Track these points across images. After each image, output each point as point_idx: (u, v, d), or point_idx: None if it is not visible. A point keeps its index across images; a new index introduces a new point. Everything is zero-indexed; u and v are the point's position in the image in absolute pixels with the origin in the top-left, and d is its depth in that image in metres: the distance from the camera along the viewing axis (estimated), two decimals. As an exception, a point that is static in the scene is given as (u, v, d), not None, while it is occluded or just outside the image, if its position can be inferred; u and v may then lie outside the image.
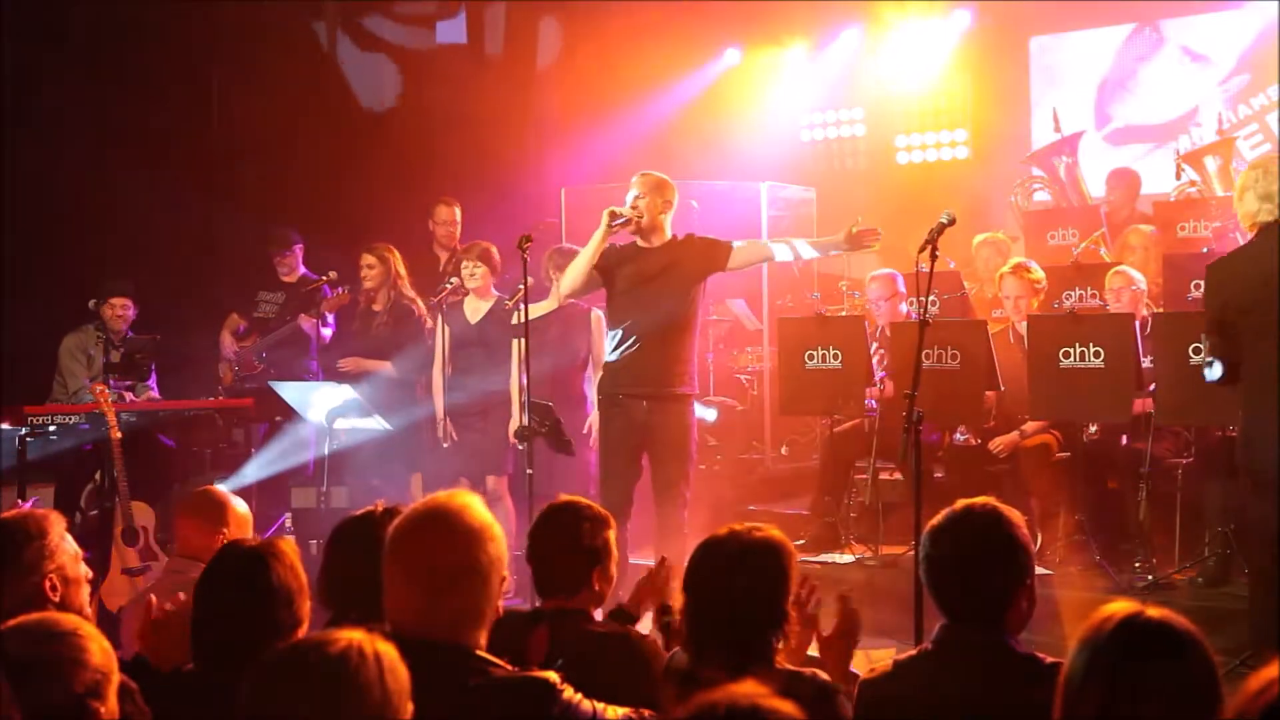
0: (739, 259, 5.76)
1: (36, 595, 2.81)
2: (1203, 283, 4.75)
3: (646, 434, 5.61)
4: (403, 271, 7.07)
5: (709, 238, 5.82)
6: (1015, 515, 2.64)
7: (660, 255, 5.67)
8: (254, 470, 6.94)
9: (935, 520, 2.64)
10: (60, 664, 2.08)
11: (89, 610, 2.94)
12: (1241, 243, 4.91)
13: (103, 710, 2.12)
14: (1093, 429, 6.03)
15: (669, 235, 5.74)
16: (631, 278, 5.66)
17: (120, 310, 7.19)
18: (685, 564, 2.78)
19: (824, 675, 2.74)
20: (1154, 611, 1.98)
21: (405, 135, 9.60)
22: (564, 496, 3.33)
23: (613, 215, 5.55)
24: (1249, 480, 4.43)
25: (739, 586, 2.66)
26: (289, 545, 2.71)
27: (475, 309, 6.67)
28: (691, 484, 5.71)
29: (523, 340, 5.67)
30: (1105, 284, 6.34)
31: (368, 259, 7.00)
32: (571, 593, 3.14)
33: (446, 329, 6.68)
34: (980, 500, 2.65)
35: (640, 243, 5.72)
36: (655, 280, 5.63)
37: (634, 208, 5.61)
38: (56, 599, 2.83)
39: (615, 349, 5.70)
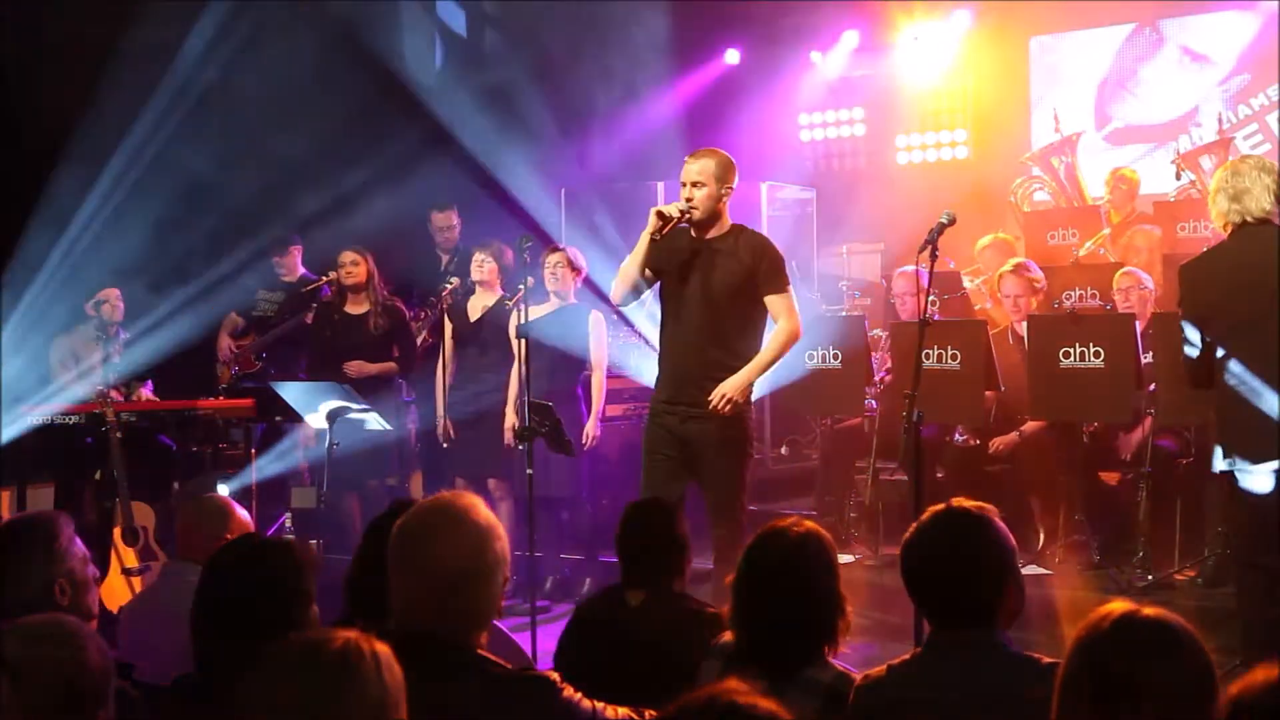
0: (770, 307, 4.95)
1: (45, 598, 2.82)
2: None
3: (697, 454, 4.91)
4: (378, 276, 7.02)
5: (777, 261, 4.95)
6: (990, 511, 2.62)
7: (713, 249, 4.90)
8: (254, 471, 6.95)
9: (909, 534, 2.62)
10: (61, 666, 2.08)
11: (96, 611, 2.95)
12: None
13: (101, 714, 2.12)
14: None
15: (728, 225, 4.94)
16: (679, 273, 4.91)
17: (114, 301, 7.20)
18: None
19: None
20: (1150, 610, 1.99)
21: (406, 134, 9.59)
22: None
23: (661, 218, 4.79)
24: (1228, 483, 4.44)
25: (787, 581, 2.71)
26: (307, 549, 2.71)
27: (477, 306, 6.66)
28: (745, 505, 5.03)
29: (523, 340, 5.67)
30: (1113, 284, 6.35)
31: (352, 256, 6.88)
32: (673, 576, 3.49)
33: (449, 327, 6.68)
34: (955, 503, 2.63)
35: (695, 234, 4.92)
36: (702, 277, 4.87)
37: (688, 199, 4.82)
38: (65, 602, 2.84)
39: (661, 352, 5.06)
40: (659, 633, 3.32)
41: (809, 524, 2.82)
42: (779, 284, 4.91)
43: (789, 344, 4.92)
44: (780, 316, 4.90)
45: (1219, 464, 4.34)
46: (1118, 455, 6.07)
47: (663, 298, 5.04)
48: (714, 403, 4.76)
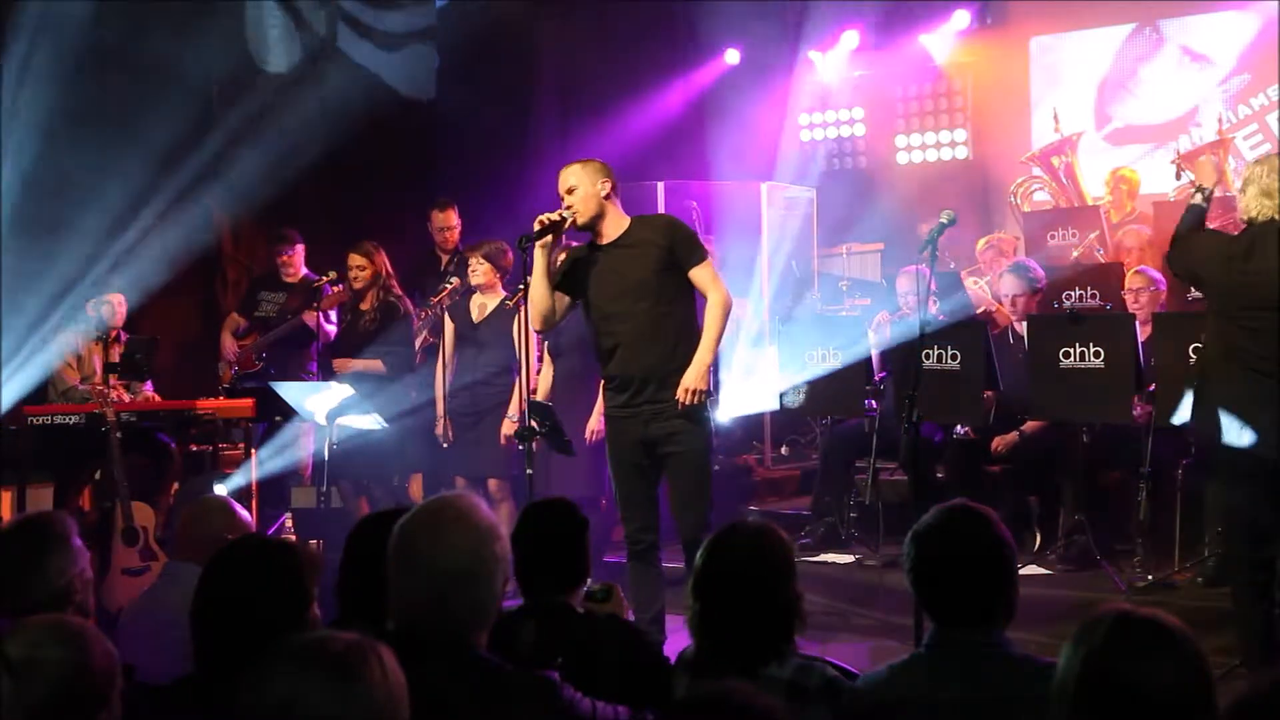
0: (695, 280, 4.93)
1: (64, 595, 2.84)
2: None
3: (665, 452, 4.90)
4: (390, 269, 7.02)
5: (685, 234, 4.97)
6: (992, 513, 2.66)
7: (619, 248, 4.90)
8: (253, 470, 6.94)
9: (918, 527, 2.64)
10: (63, 667, 2.08)
11: (93, 610, 2.97)
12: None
13: (105, 716, 2.12)
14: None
15: (628, 221, 4.94)
16: (596, 283, 4.92)
17: (116, 305, 7.19)
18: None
19: (833, 670, 2.74)
20: (1145, 610, 1.99)
21: (407, 134, 9.60)
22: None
23: (540, 225, 4.77)
24: (1223, 468, 4.53)
25: (750, 579, 2.67)
26: (307, 549, 2.72)
27: (480, 307, 6.65)
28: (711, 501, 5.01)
29: (524, 340, 5.66)
30: (1126, 283, 6.36)
31: (357, 260, 6.86)
32: (575, 585, 3.20)
33: (451, 327, 6.68)
34: (956, 503, 2.67)
35: (597, 241, 4.95)
36: (620, 278, 4.88)
37: (568, 207, 4.83)
38: (78, 600, 2.86)
39: (605, 365, 5.03)
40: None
41: (763, 523, 2.82)
42: (698, 255, 4.91)
43: (726, 315, 4.93)
44: (708, 289, 4.90)
45: (1183, 416, 4.56)
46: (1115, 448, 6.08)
47: (588, 314, 5.02)
48: (682, 400, 4.78)
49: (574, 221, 4.84)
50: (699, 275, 4.90)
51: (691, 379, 4.79)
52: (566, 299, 5.00)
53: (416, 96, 9.73)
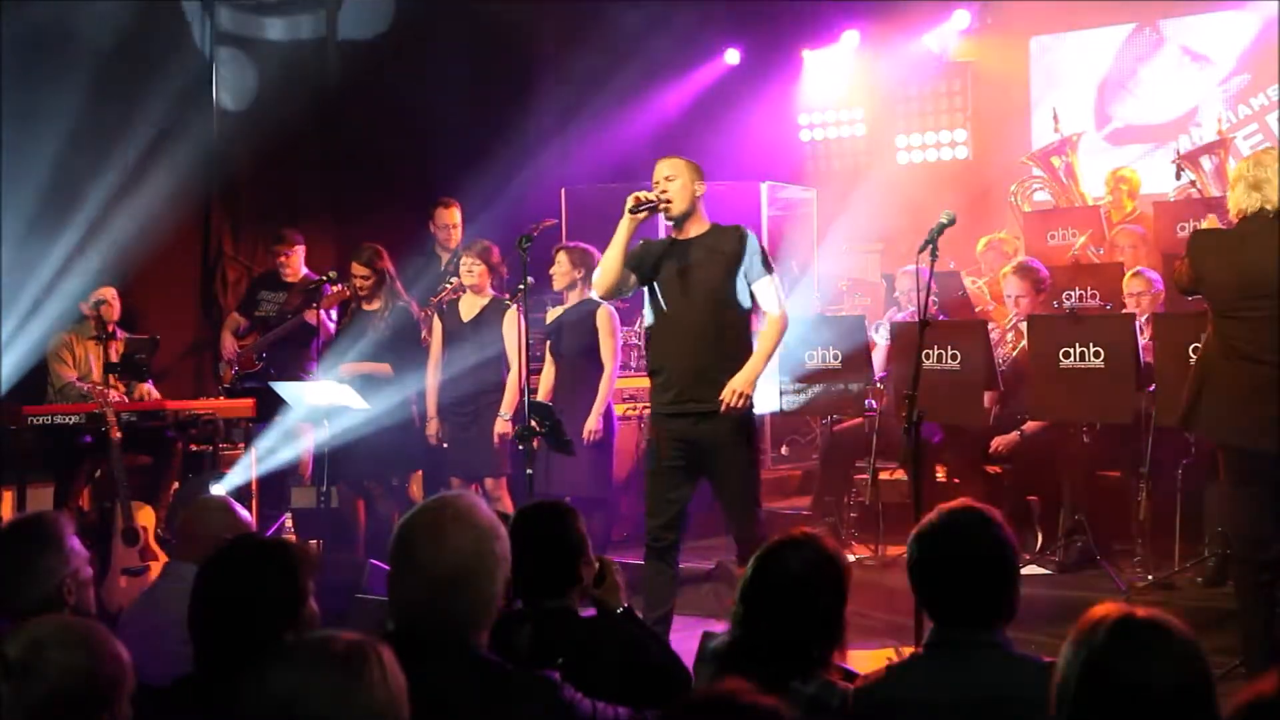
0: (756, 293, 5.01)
1: (55, 598, 2.84)
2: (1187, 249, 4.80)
3: (708, 454, 4.93)
4: (394, 272, 6.97)
5: (759, 248, 5.00)
6: (996, 514, 2.66)
7: (697, 246, 4.96)
8: (253, 470, 6.93)
9: (920, 527, 2.64)
10: (66, 669, 2.07)
11: (94, 610, 2.98)
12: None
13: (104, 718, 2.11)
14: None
15: (708, 224, 5.02)
16: (668, 274, 4.95)
17: (111, 300, 7.17)
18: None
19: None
20: (1143, 611, 1.99)
21: (405, 133, 9.59)
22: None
23: (637, 201, 4.86)
24: (1227, 469, 4.54)
25: (798, 594, 2.64)
26: (303, 549, 2.71)
27: (470, 307, 6.66)
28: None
29: (522, 339, 5.67)
30: (1124, 286, 6.35)
31: (361, 270, 6.76)
32: (571, 585, 3.17)
33: (441, 327, 6.68)
34: (960, 503, 2.68)
35: (677, 235, 5.02)
36: (693, 275, 4.92)
37: (663, 192, 4.91)
38: (72, 602, 2.85)
39: (655, 358, 5.07)
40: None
41: (825, 541, 2.76)
42: (766, 270, 4.98)
43: (782, 333, 5.01)
44: (769, 305, 4.98)
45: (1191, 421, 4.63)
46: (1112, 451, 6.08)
47: (652, 302, 5.06)
48: (727, 400, 4.81)
49: (665, 207, 4.92)
50: (762, 289, 4.97)
51: (740, 382, 4.84)
52: (634, 277, 5.02)
53: (376, 34, 9.64)
